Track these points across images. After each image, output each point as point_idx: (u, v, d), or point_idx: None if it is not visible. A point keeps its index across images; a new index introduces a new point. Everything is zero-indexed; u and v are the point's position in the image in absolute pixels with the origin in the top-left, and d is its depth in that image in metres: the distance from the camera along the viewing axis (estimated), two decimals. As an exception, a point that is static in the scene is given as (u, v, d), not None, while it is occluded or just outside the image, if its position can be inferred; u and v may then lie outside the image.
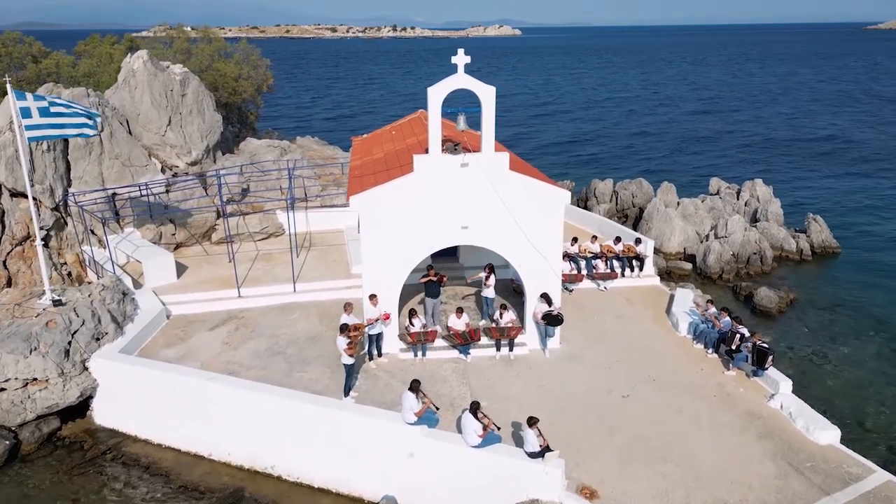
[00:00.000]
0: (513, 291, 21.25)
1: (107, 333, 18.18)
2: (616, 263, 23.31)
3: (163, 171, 26.52)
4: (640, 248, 23.53)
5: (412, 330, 18.09)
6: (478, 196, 17.26)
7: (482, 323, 19.73)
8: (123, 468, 16.49)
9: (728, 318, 18.42)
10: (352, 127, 68.95)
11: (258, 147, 29.22)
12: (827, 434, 15.07)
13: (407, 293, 19.83)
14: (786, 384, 16.56)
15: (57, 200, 23.20)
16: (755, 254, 30.12)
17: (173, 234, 24.87)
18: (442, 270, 21.13)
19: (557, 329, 18.52)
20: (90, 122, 18.88)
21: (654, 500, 13.30)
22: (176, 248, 24.97)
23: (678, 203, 34.70)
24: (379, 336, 17.92)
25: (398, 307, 18.56)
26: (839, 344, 23.28)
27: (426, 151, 17.06)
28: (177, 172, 27.07)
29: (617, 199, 38.23)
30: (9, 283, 21.86)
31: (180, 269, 23.01)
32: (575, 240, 23.52)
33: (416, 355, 18.22)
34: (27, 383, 16.96)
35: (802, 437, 15.19)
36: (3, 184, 22.34)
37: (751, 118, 78.30)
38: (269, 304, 21.28)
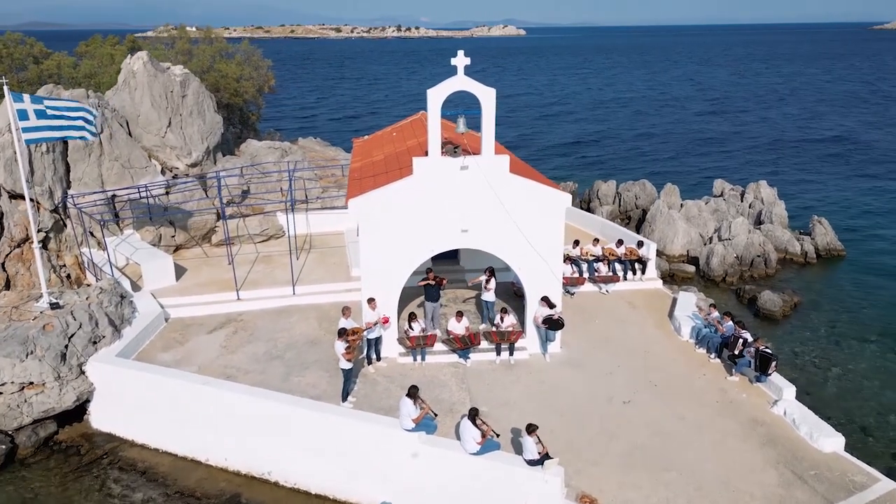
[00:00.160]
0: (513, 295, 21.07)
1: (104, 337, 18.05)
2: (618, 266, 23.11)
3: (163, 172, 26.41)
4: (642, 251, 23.32)
5: (411, 334, 17.93)
6: (478, 199, 17.08)
7: (482, 327, 19.56)
8: (120, 473, 16.36)
9: (731, 323, 18.21)
10: (356, 127, 68.87)
11: (259, 148, 29.10)
12: (831, 441, 14.85)
13: (407, 296, 19.68)
14: (789, 390, 16.34)
15: (56, 202, 23.12)
16: (759, 256, 29.86)
17: (173, 236, 24.75)
18: (442, 273, 20.97)
19: (558, 333, 18.34)
20: (89, 124, 18.78)
21: (654, 509, 13.12)
22: (175, 251, 24.87)
23: (681, 205, 34.46)
24: (378, 340, 17.76)
25: (398, 310, 18.41)
26: (844, 349, 23.02)
27: (427, 154, 16.89)
28: (177, 174, 26.96)
29: (620, 200, 38.01)
30: (7, 286, 21.79)
31: (179, 271, 22.90)
32: (576, 242, 23.31)
33: (415, 359, 18.06)
34: (23, 387, 16.84)
35: (806, 445, 14.98)
36: (1, 185, 22.28)
37: (757, 119, 77.90)
38: (267, 307, 21.15)
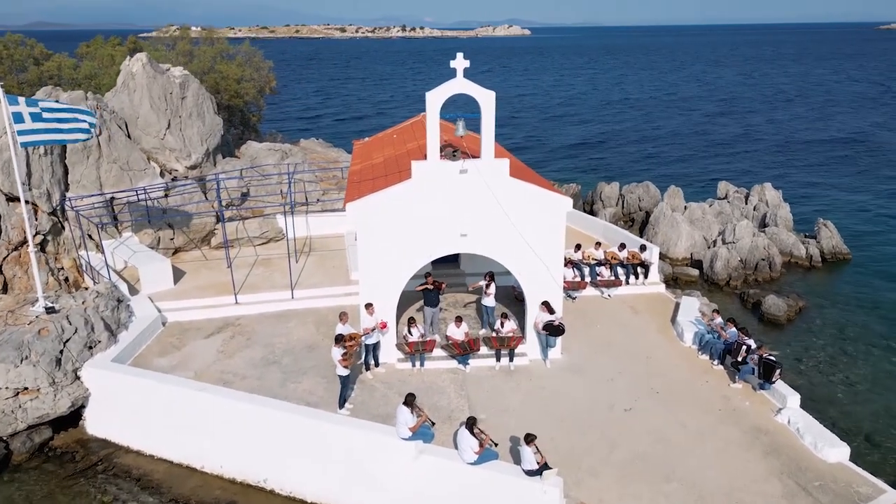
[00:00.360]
0: (514, 299, 20.82)
1: (100, 342, 17.88)
2: (620, 270, 22.84)
3: (162, 175, 26.24)
4: (644, 255, 23.07)
5: (410, 339, 17.72)
6: (477, 203, 16.85)
7: (482, 332, 19.33)
8: (115, 480, 16.15)
9: (734, 329, 17.95)
10: (360, 128, 68.67)
11: (259, 150, 28.92)
12: (836, 451, 14.60)
13: (406, 300, 19.48)
14: (793, 398, 16.09)
15: (54, 205, 22.97)
16: (763, 260, 29.55)
17: (172, 239, 24.58)
18: (442, 277, 20.76)
19: (559, 339, 18.10)
20: (85, 127, 18.61)
21: (655, 520, 12.89)
22: (174, 253, 24.71)
23: (685, 207, 34.19)
24: (376, 346, 17.54)
25: (397, 315, 18.20)
26: (849, 354, 22.71)
27: (426, 157, 16.67)
28: (176, 176, 26.80)
29: (623, 202, 37.75)
30: (4, 289, 21.65)
31: (178, 274, 22.72)
32: (578, 246, 23.07)
33: (413, 365, 17.84)
34: (18, 392, 16.66)
35: (810, 455, 14.72)
36: (-1, 188, 22.13)
37: (763, 121, 77.36)
38: (266, 311, 20.96)
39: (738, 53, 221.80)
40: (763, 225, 33.56)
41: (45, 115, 17.66)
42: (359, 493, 14.74)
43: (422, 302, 18.89)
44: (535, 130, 73.21)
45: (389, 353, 17.99)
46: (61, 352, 17.08)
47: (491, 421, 15.54)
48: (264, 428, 15.37)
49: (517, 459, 13.67)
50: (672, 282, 28.17)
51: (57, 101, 21.55)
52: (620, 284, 22.51)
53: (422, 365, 17.83)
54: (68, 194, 23.43)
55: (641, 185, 38.11)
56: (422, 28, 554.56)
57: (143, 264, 21.74)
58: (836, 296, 27.67)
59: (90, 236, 23.15)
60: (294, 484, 15.39)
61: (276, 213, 25.84)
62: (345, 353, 15.43)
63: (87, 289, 21.25)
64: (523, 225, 17.11)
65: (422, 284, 18.25)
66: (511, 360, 18.00)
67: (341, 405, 15.85)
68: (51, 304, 18.35)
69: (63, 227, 23.24)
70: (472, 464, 13.46)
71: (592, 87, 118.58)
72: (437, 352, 18.11)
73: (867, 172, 51.44)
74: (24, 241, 22.22)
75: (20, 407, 16.65)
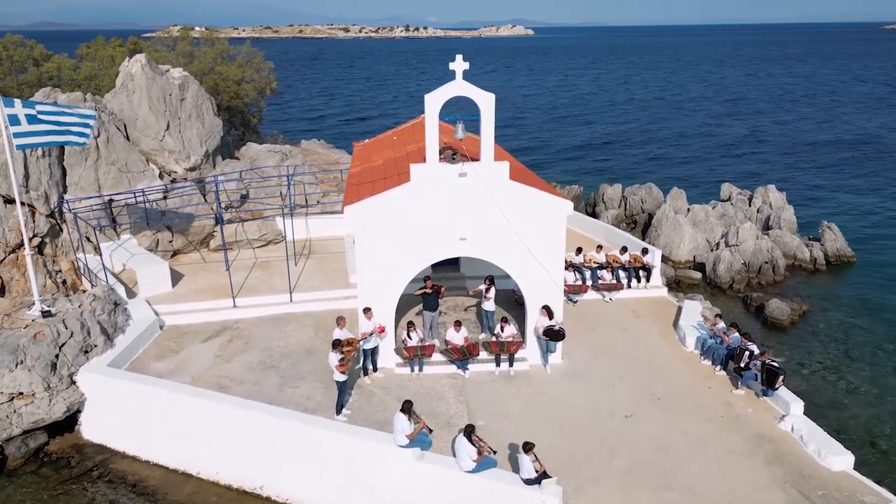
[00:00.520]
0: (514, 303, 20.62)
1: (96, 346, 17.74)
2: (622, 274, 22.64)
3: (161, 176, 26.09)
4: (646, 259, 22.86)
5: (409, 344, 17.53)
6: (477, 206, 16.67)
7: (482, 336, 19.15)
8: (110, 486, 16.00)
9: (737, 334, 17.73)
10: (364, 129, 68.51)
11: (259, 152, 28.76)
12: (840, 460, 14.38)
13: (406, 304, 19.32)
14: (797, 405, 15.86)
15: (52, 207, 22.83)
16: (767, 263, 29.29)
17: (170, 241, 24.44)
18: (443, 280, 20.61)
19: (559, 344, 17.90)
20: (82, 129, 18.46)
21: (656, 530, 12.68)
22: (173, 256, 24.58)
23: (688, 209, 33.93)
24: (374, 350, 17.37)
25: (396, 319, 18.02)
26: (854, 359, 22.46)
27: (426, 159, 16.48)
28: (175, 178, 26.64)
29: (626, 204, 37.51)
30: (1, 292, 21.50)
31: (176, 277, 22.58)
32: (579, 250, 22.86)
33: (412, 370, 17.66)
34: (13, 397, 16.52)
35: (814, 463, 14.49)
36: (-4, 190, 21.99)
37: (768, 122, 76.86)
38: (264, 314, 20.80)
39: (742, 53, 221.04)
40: (767, 227, 33.30)
41: (42, 116, 17.51)
42: (356, 502, 14.57)
43: (421, 306, 18.71)
44: (540, 131, 72.93)
45: (388, 358, 17.82)
46: (57, 356, 16.94)
47: (490, 427, 15.36)
48: (260, 434, 15.20)
49: (516, 467, 13.47)
50: (674, 285, 27.93)
51: (55, 103, 21.43)
52: (622, 288, 22.30)
53: (420, 370, 17.65)
54: (66, 196, 23.29)
55: (644, 186, 37.86)
56: (425, 28, 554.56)
57: (140, 267, 21.61)
58: (840, 299, 27.40)
59: (88, 238, 23.02)
60: (290, 491, 15.22)
61: (276, 215, 25.67)
62: (342, 359, 15.26)
63: (84, 292, 21.11)
64: (523, 229, 16.92)
65: (420, 289, 18.07)
66: (511, 365, 17.81)
67: (338, 411, 15.68)
68: (47, 308, 18.20)
69: (61, 230, 23.11)
70: (470, 472, 13.28)
71: (597, 88, 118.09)
72: (437, 356, 17.93)
73: (872, 174, 51.05)
74: (22, 244, 22.08)
75: (15, 412, 16.51)
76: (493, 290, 18.86)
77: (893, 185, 47.45)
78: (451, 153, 16.53)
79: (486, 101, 16.02)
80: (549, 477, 12.93)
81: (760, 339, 22.80)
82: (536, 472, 12.96)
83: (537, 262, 17.24)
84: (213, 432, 15.74)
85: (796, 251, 30.86)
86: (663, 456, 14.64)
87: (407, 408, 13.83)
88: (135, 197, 24.08)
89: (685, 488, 13.65)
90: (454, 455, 13.74)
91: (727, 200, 36.76)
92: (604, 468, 14.26)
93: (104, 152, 24.22)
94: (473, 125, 16.67)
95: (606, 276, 22.40)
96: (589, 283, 22.20)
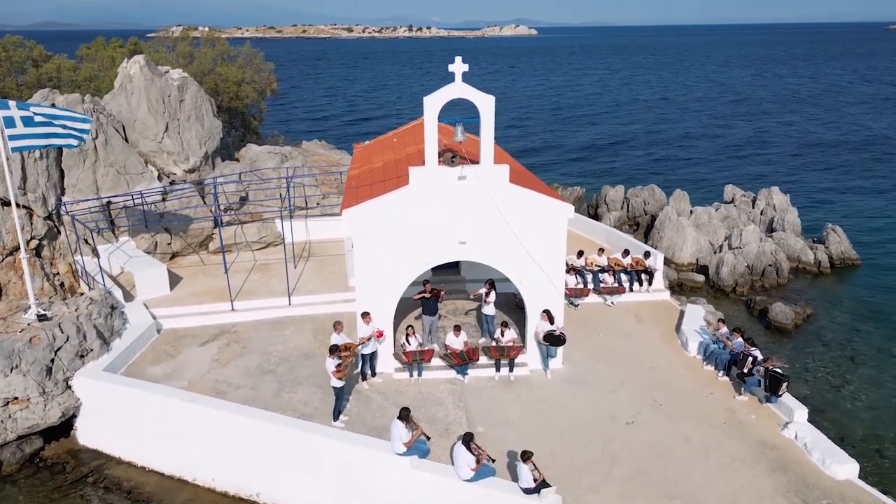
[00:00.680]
0: (515, 307, 20.40)
1: (92, 350, 17.57)
2: (624, 277, 22.41)
3: (160, 178, 25.93)
4: (649, 262, 22.61)
5: (408, 349, 17.33)
6: (476, 210, 16.47)
7: (482, 341, 18.95)
8: (105, 493, 15.84)
9: (740, 339, 17.49)
10: (367, 130, 68.31)
11: (258, 154, 28.58)
12: (845, 468, 14.15)
13: (406, 308, 19.15)
14: (801, 412, 15.62)
15: (50, 209, 22.68)
16: (770, 266, 29.04)
17: (169, 244, 24.28)
18: (443, 284, 20.41)
19: (560, 349, 17.69)
20: (78, 132, 18.30)
21: (657, 541, 12.47)
22: (172, 258, 24.41)
23: (691, 211, 33.68)
24: (373, 355, 17.18)
25: (396, 322, 17.83)
26: (858, 364, 22.20)
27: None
28: (174, 180, 26.47)
29: (628, 206, 37.27)
30: (-1, 294, 21.35)
31: (175, 280, 22.42)
32: (581, 253, 22.64)
33: (411, 375, 17.46)
34: (8, 402, 16.38)
35: (818, 471, 14.26)
36: (-7, 192, 21.83)
37: (773, 123, 76.31)
38: (262, 317, 20.62)
39: (747, 54, 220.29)
40: (770, 230, 33.03)
41: (37, 118, 17.36)
42: (353, 509, 14.38)
43: (421, 310, 18.52)
44: (544, 132, 72.63)
45: (386, 363, 17.63)
46: (52, 361, 16.79)
47: (489, 434, 15.17)
48: (257, 441, 15.02)
49: (515, 476, 13.28)
50: (677, 288, 27.70)
51: (53, 106, 21.30)
52: (624, 291, 22.08)
53: (419, 375, 17.45)
54: (64, 198, 23.13)
55: (647, 188, 37.62)
56: (428, 28, 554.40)
57: (138, 270, 21.45)
58: (844, 303, 27.13)
59: (86, 241, 22.85)
60: (287, 498, 15.04)
61: (275, 217, 25.49)
62: (339, 365, 15.07)
63: (82, 295, 20.96)
64: (523, 232, 16.72)
65: (419, 293, 17.87)
66: (511, 370, 17.61)
67: (336, 417, 15.49)
68: (43, 312, 18.05)
69: (59, 232, 22.95)
70: (468, 480, 13.08)
71: (602, 88, 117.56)
72: (436, 361, 17.72)
73: (878, 176, 50.63)
74: (19, 247, 21.96)
75: (10, 417, 16.37)
76: (493, 294, 18.66)
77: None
78: (450, 156, 16.32)
79: (485, 104, 15.82)
80: (549, 486, 12.74)
81: (764, 344, 22.57)
82: (535, 480, 12.77)
83: (538, 266, 17.04)
84: (209, 438, 15.58)
85: (800, 254, 30.60)
86: (665, 463, 14.43)
87: (404, 415, 13.63)
88: (132, 199, 23.92)
89: (687, 497, 13.44)
90: (452, 463, 13.54)
91: (730, 202, 36.49)
92: (604, 476, 14.05)
93: (102, 154, 24.07)
94: (475, 127, 16.47)
95: (608, 279, 22.18)
96: (590, 286, 21.98)
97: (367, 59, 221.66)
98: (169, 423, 15.99)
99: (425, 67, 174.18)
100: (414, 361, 17.26)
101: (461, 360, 17.30)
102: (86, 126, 18.49)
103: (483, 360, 17.79)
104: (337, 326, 16.29)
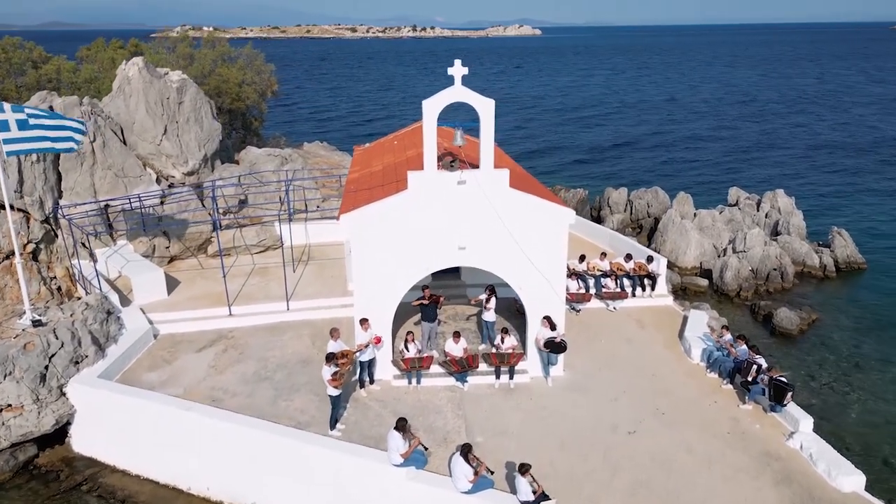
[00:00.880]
0: (516, 312, 20.13)
1: (86, 356, 17.36)
2: (626, 282, 22.13)
3: (158, 181, 25.72)
4: (652, 267, 22.32)
5: (406, 355, 17.08)
6: (476, 215, 16.20)
7: (482, 347, 18.69)
8: (99, 501, 15.65)
9: (745, 347, 17.17)
10: (370, 131, 68.14)
11: (258, 156, 28.35)
12: (851, 480, 13.84)
13: (406, 314, 18.93)
14: (806, 422, 15.31)
15: (47, 212, 22.50)
16: (775, 270, 28.71)
17: (167, 247, 24.07)
18: (443, 289, 20.18)
19: (561, 356, 17.41)
20: (76, 134, 18.11)
21: (658, 555, 12.19)
22: (170, 262, 24.20)
23: (695, 214, 33.37)
24: (371, 362, 16.92)
25: (395, 328, 17.58)
26: (865, 371, 21.87)
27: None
28: (173, 183, 26.28)
29: (631, 208, 36.98)
30: (-5, 299, 21.15)
31: (172, 284, 22.21)
32: (583, 257, 22.37)
33: (409, 382, 17.20)
34: (1, 410, 16.18)
35: (824, 483, 13.97)
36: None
37: (779, 124, 75.82)
38: (260, 322, 20.39)
39: (753, 54, 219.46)
40: (775, 233, 32.69)
41: (32, 121, 17.16)
42: (349, 520, 14.14)
43: (420, 315, 18.27)
44: (549, 134, 72.25)
45: (385, 370, 17.38)
46: (46, 367, 16.59)
47: (489, 444, 14.91)
48: (251, 450, 14.79)
49: (514, 488, 13.01)
50: (680, 292, 27.42)
51: (50, 108, 21.12)
52: (626, 297, 21.79)
53: (418, 382, 17.20)
54: (61, 202, 22.95)
55: (650, 190, 37.32)
56: (432, 28, 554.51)
57: (135, 274, 21.23)
58: (850, 308, 26.78)
59: (84, 245, 22.67)
60: (282, 508, 14.81)
61: (275, 220, 25.26)
62: (335, 373, 14.81)
63: (79, 299, 20.77)
64: (524, 238, 16.45)
65: (418, 299, 17.62)
66: (511, 377, 17.34)
67: (332, 426, 15.22)
68: (38, 317, 17.85)
69: (56, 236, 22.78)
70: (465, 493, 12.83)
71: (607, 89, 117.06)
72: (435, 368, 17.47)
73: (886, 179, 50.11)
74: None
75: (3, 424, 16.17)
76: (493, 301, 18.40)
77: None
78: (450, 160, 16.07)
79: (485, 107, 15.56)
80: (548, 498, 12.50)
81: (768, 350, 22.26)
82: (535, 493, 12.51)
83: (538, 272, 16.77)
84: (204, 447, 15.37)
85: (805, 258, 30.26)
86: (667, 474, 14.15)
87: (401, 426, 13.39)
88: (130, 202, 23.72)
89: (689, 510, 13.16)
90: (450, 474, 13.28)
91: (734, 205, 36.18)
92: (605, 487, 13.78)
93: (100, 157, 23.88)
94: (477, 130, 16.21)
95: (610, 284, 21.89)
96: (592, 291, 21.70)
97: (372, 59, 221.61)
98: (164, 431, 15.78)
99: (430, 67, 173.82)
100: (412, 368, 17.01)
101: (460, 368, 17.04)
102: (81, 130, 18.28)
103: (483, 367, 17.54)
104: (334, 333, 16.04)
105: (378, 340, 16.75)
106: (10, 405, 16.20)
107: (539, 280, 16.88)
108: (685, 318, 20.70)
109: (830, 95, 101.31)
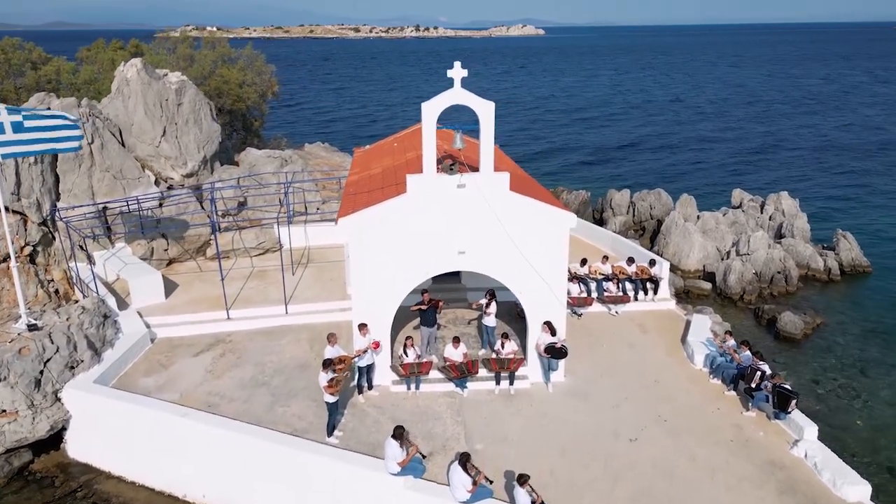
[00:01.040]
0: (516, 316, 19.90)
1: (82, 361, 17.18)
2: (629, 286, 21.89)
3: (157, 183, 25.56)
4: (654, 270, 22.09)
5: (405, 361, 16.87)
6: (476, 219, 15.99)
7: (482, 352, 18.47)
8: (94, 509, 15.48)
9: (748, 353, 16.94)
10: (373, 132, 67.92)
11: (258, 158, 28.17)
12: (856, 490, 13.59)
13: (406, 318, 18.70)
14: (811, 430, 15.05)
15: (44, 215, 22.35)
16: (779, 273, 28.44)
17: (166, 250, 23.90)
18: (443, 292, 19.97)
19: (562, 361, 17.19)
20: (72, 136, 17.93)
21: (660, 567, 11.96)
22: (169, 264, 24.03)
23: (698, 217, 33.07)
24: (369, 368, 16.70)
25: (394, 333, 17.37)
26: (870, 376, 21.61)
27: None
28: (172, 185, 26.11)
29: (634, 210, 36.71)
30: (-8, 302, 21.00)
31: (170, 287, 22.04)
32: (584, 261, 22.14)
33: (408, 388, 16.99)
34: (-4, 415, 16.01)
35: (829, 493, 13.72)
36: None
37: (783, 125, 75.38)
38: (258, 326, 20.20)
39: (757, 54, 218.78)
40: (779, 236, 32.40)
41: (27, 123, 16.98)
42: (346, 529, 13.93)
43: (419, 320, 18.06)
44: (553, 135, 71.98)
45: (384, 375, 17.17)
46: (41, 372, 16.40)
47: (488, 451, 14.69)
48: (247, 457, 14.60)
49: (513, 498, 12.78)
50: (683, 295, 27.16)
51: (48, 109, 20.94)
52: (628, 301, 21.56)
53: (417, 388, 16.98)
54: (59, 204, 22.79)
55: (653, 192, 37.06)
56: (435, 28, 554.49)
57: (133, 277, 21.06)
58: (855, 312, 26.50)
59: (81, 247, 22.51)
60: (279, 516, 14.60)
61: (274, 222, 25.08)
62: (332, 379, 14.60)
63: (76, 302, 20.61)
64: (524, 242, 16.23)
65: (417, 304, 17.42)
66: (511, 383, 17.12)
67: (330, 433, 15.01)
68: (33, 321, 17.66)
69: (53, 238, 22.62)
70: (464, 502, 12.62)
71: (612, 90, 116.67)
72: (434, 374, 17.26)
73: (890, 181, 49.78)
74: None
75: (-2, 430, 15.99)
76: (493, 305, 18.18)
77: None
78: (449, 163, 15.87)
79: (485, 110, 15.35)
80: (548, 509, 12.26)
81: (772, 354, 22.03)
82: (533, 503, 12.28)
83: (539, 276, 16.55)
84: (200, 454, 15.18)
85: (810, 261, 29.99)
86: (669, 483, 13.92)
87: (399, 434, 13.18)
88: (128, 204, 23.55)
89: (692, 520, 12.94)
90: (448, 483, 13.07)
91: (738, 207, 35.89)
92: (606, 496, 13.55)
93: (98, 159, 23.72)
94: (478, 132, 15.99)
95: (612, 288, 21.66)
96: (594, 295, 21.47)
97: (375, 59, 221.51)
98: (159, 437, 15.60)
99: (433, 68, 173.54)
100: (411, 374, 16.80)
101: (460, 373, 16.83)
102: (78, 130, 18.11)
103: (483, 372, 17.30)
104: (331, 338, 15.82)
105: (377, 345, 16.54)
106: (4, 411, 16.02)
107: (540, 285, 16.66)
108: (688, 323, 20.46)
109: (836, 96, 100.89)
